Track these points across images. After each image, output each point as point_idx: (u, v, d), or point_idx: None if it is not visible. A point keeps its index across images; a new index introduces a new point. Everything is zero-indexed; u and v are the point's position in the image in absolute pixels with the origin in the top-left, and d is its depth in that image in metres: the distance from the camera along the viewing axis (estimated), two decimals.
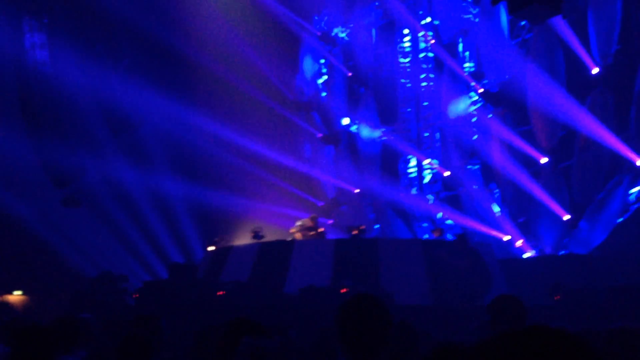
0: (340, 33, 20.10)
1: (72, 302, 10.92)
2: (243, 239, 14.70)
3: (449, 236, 16.57)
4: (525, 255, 14.97)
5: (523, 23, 15.92)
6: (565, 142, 14.72)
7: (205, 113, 17.23)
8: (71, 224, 16.08)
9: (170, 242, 17.55)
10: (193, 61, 17.34)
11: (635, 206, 13.91)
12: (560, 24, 14.10)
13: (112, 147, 16.98)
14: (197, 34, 17.44)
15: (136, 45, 17.39)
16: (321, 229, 13.29)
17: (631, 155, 13.53)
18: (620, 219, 13.97)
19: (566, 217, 14.46)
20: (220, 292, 10.37)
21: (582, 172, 14.42)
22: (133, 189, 17.06)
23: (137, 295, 10.59)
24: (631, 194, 13.92)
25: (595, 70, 14.16)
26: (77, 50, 16.34)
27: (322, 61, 20.58)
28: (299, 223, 13.35)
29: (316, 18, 20.51)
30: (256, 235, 13.09)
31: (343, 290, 10.31)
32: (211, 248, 14.07)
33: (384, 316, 2.52)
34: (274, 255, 12.34)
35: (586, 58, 14.19)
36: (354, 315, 2.49)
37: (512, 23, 15.96)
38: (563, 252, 14.55)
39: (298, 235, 13.03)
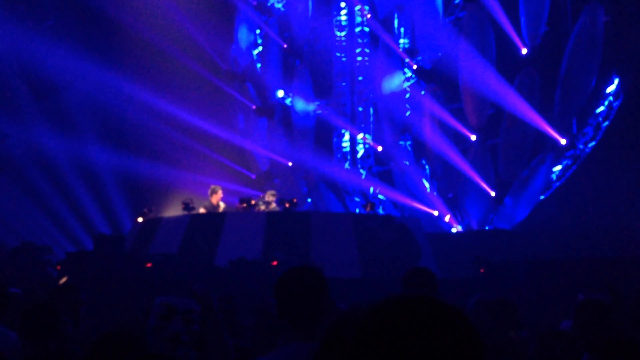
0: (277, 3, 19.79)
1: None
2: (173, 211, 14.43)
3: (380, 210, 16.82)
4: (453, 230, 15.39)
5: (457, 1, 16.13)
6: (493, 120, 15.12)
7: (136, 80, 16.65)
8: None
9: (97, 212, 17.00)
10: (123, 26, 16.66)
11: (558, 184, 14.51)
12: (492, 4, 14.37)
13: (34, 113, 16.22)
14: None
15: (62, 5, 16.57)
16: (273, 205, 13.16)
17: (554, 134, 14.05)
18: (543, 196, 14.55)
19: (492, 193, 14.92)
20: (149, 264, 10.17)
21: (508, 150, 14.88)
22: (57, 156, 16.37)
23: (60, 268, 10.24)
24: (554, 172, 14.49)
25: (524, 51, 14.54)
26: None
27: (258, 32, 20.23)
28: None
29: None
30: (187, 207, 12.84)
31: (274, 263, 10.31)
32: (140, 219, 13.74)
33: (320, 287, 2.51)
34: (204, 227, 12.18)
35: (516, 38, 14.54)
36: (291, 289, 2.47)
37: (446, 1, 16.13)
38: (488, 227, 15.04)
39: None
